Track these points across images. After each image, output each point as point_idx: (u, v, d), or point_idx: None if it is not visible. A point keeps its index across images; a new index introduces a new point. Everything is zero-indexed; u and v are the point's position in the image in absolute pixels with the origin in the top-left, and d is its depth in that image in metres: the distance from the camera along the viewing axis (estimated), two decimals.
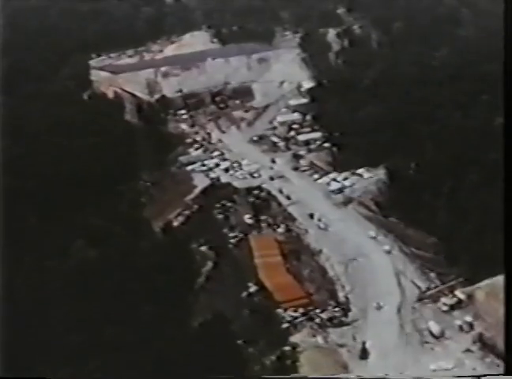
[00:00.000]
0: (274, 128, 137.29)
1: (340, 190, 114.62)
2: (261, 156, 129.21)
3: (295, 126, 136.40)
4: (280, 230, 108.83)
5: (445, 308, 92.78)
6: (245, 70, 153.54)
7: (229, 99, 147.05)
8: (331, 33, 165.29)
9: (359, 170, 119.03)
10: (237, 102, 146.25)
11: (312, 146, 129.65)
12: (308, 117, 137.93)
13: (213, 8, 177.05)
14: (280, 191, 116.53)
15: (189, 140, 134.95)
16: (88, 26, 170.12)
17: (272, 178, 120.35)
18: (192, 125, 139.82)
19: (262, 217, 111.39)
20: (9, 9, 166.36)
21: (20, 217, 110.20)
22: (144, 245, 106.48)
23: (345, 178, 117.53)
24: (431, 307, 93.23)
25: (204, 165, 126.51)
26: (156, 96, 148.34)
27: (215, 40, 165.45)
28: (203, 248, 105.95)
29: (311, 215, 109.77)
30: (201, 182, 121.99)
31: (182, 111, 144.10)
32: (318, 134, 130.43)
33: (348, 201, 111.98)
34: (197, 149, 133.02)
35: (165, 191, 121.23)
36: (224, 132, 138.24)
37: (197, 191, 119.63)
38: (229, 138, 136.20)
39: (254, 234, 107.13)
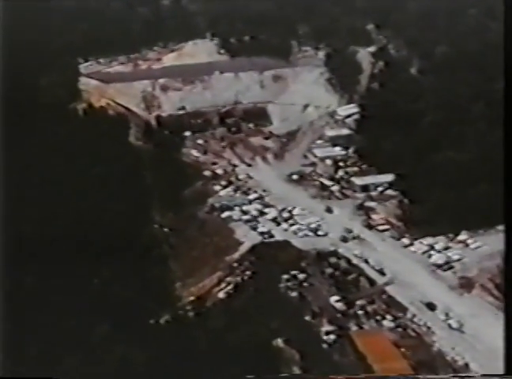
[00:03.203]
0: (313, 164, 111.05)
1: (450, 266, 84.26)
2: (310, 203, 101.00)
3: (341, 164, 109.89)
4: (387, 323, 77.24)
5: None
6: (258, 88, 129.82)
7: (241, 121, 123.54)
8: (362, 52, 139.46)
9: (461, 237, 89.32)
10: (250, 125, 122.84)
11: (372, 193, 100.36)
12: (350, 151, 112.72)
13: (219, 14, 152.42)
14: (366, 261, 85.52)
15: (207, 173, 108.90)
16: (75, 26, 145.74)
17: (345, 239, 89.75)
18: (204, 152, 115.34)
19: (356, 301, 79.58)
20: None
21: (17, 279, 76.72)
22: (192, 332, 74.24)
23: (447, 247, 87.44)
24: None
25: (244, 212, 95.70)
26: (155, 113, 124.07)
27: (222, 51, 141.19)
28: (279, 341, 74.03)
29: (430, 306, 77.44)
30: (245, 236, 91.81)
31: (187, 133, 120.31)
32: (389, 177, 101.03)
33: (469, 284, 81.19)
34: (224, 187, 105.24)
35: (192, 243, 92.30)
36: (249, 165, 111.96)
37: (243, 249, 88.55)
38: (258, 174, 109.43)
39: (358, 331, 75.06)
